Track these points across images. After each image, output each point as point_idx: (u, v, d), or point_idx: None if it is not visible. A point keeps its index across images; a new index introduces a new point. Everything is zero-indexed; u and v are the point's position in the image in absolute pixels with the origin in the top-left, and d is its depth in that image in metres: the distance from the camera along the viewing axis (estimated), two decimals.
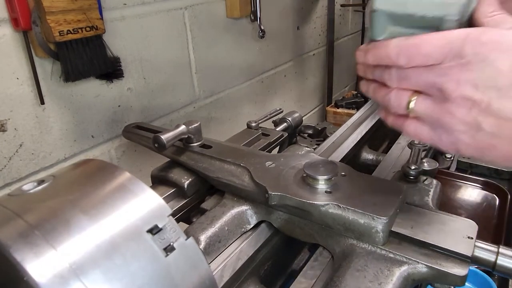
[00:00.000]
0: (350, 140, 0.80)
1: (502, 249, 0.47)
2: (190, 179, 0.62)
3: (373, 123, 0.92)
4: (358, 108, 1.47)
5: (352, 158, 0.79)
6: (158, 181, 0.65)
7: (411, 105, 0.38)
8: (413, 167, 0.62)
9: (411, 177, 0.62)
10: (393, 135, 0.93)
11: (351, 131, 0.84)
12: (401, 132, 0.43)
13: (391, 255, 0.47)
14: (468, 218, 0.52)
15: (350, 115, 0.95)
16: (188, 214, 0.63)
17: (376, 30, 0.40)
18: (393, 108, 0.41)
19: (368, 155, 0.86)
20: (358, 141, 0.80)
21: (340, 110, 1.87)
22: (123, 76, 0.90)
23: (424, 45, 0.36)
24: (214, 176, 0.59)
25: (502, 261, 0.46)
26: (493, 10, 0.37)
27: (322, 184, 0.51)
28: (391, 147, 0.85)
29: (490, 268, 0.47)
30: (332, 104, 1.95)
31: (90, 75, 0.81)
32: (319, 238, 0.53)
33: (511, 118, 0.33)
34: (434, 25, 0.37)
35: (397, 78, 0.39)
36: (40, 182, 0.34)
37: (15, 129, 0.74)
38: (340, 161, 0.72)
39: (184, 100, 1.11)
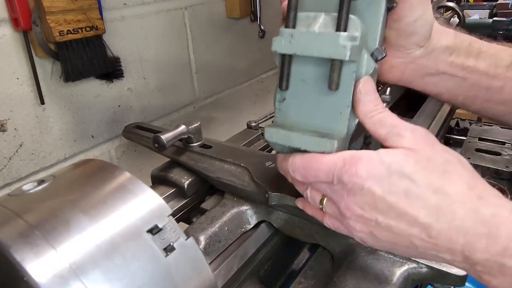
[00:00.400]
0: None
1: None
2: (190, 179, 0.62)
3: None
4: None
5: None
6: (158, 181, 0.65)
7: (324, 202, 0.42)
8: None
9: None
10: None
11: None
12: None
13: (391, 255, 0.47)
14: None
15: None
16: (188, 214, 0.63)
17: (274, 147, 0.46)
18: (311, 202, 0.44)
19: None
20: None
21: None
22: (123, 76, 0.90)
23: (312, 168, 0.40)
24: (214, 176, 0.59)
25: None
26: (371, 110, 0.40)
27: None
28: None
29: None
30: None
31: (90, 75, 0.81)
32: (319, 238, 0.53)
33: (400, 234, 0.37)
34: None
35: (304, 184, 0.44)
36: (40, 182, 0.34)
37: (15, 129, 0.74)
38: None
39: (184, 100, 1.11)
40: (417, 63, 0.48)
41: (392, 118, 0.40)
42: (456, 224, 0.34)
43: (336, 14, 0.39)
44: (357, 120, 0.43)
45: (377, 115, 0.40)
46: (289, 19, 0.41)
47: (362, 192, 0.37)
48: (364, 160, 0.37)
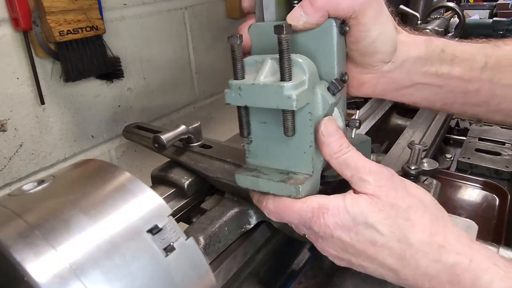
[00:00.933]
0: None
1: (502, 249, 0.47)
2: (190, 179, 0.62)
3: (373, 123, 0.92)
4: (358, 108, 1.47)
5: None
6: (158, 181, 0.65)
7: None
8: (413, 167, 0.62)
9: (411, 177, 0.62)
10: (394, 135, 0.93)
11: None
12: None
13: None
14: (468, 218, 0.52)
15: (350, 115, 0.95)
16: (188, 214, 0.63)
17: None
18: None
19: None
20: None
21: None
22: (123, 76, 0.90)
23: (285, 214, 0.42)
24: (214, 176, 0.59)
25: None
26: (336, 151, 0.41)
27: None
28: (391, 147, 0.85)
29: None
30: None
31: (90, 75, 0.81)
32: None
33: (373, 272, 0.40)
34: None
35: None
36: (40, 182, 0.34)
37: (15, 129, 0.74)
38: None
39: (184, 100, 1.11)
40: (388, 77, 0.48)
41: (356, 160, 0.41)
42: (420, 272, 0.37)
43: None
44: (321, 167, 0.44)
45: (341, 156, 0.41)
46: (236, 71, 0.41)
47: (333, 240, 0.40)
48: (331, 211, 0.39)
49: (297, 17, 0.41)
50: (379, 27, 0.43)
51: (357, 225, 0.38)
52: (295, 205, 0.41)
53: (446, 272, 0.36)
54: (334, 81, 0.43)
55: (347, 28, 0.42)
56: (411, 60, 0.47)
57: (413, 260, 0.37)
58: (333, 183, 0.49)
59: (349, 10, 0.40)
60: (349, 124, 0.48)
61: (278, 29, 0.37)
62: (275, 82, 0.39)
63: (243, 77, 0.41)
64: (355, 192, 0.40)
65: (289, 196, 0.42)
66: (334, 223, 0.39)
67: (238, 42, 0.40)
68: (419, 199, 0.39)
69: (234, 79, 0.41)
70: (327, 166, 0.46)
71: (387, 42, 0.44)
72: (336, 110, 0.45)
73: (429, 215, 0.38)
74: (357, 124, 0.47)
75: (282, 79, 0.38)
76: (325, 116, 0.42)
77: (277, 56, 0.38)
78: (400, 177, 0.41)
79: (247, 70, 0.42)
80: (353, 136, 0.50)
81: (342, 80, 0.44)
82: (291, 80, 0.38)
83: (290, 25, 0.39)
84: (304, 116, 0.41)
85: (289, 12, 0.43)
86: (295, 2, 0.42)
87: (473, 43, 0.49)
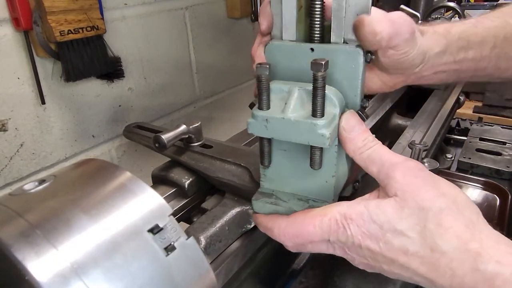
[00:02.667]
0: None
1: None
2: (190, 179, 0.62)
3: (373, 123, 0.92)
4: None
5: None
6: (158, 181, 0.65)
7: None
8: None
9: None
10: (394, 135, 0.93)
11: None
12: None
13: None
14: None
15: None
16: (189, 214, 0.63)
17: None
18: None
19: None
20: None
21: None
22: (124, 76, 0.90)
23: (304, 236, 0.39)
24: (215, 176, 0.59)
25: None
26: (360, 147, 0.39)
27: None
28: (391, 147, 0.85)
29: None
30: None
31: (91, 75, 0.81)
32: None
33: (408, 279, 0.38)
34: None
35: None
36: (41, 181, 0.34)
37: (16, 128, 0.74)
38: None
39: (185, 100, 1.11)
40: (416, 75, 0.48)
41: (381, 154, 0.39)
42: (457, 281, 0.34)
43: (310, 88, 0.37)
44: (345, 180, 0.43)
45: (366, 151, 0.39)
46: (262, 102, 0.39)
47: (362, 250, 0.37)
48: (356, 220, 0.37)
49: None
50: (411, 45, 0.42)
51: (386, 233, 0.36)
52: (315, 220, 0.39)
53: (485, 284, 0.33)
54: (360, 112, 0.41)
55: (373, 57, 0.41)
56: (433, 55, 0.47)
57: (448, 269, 0.34)
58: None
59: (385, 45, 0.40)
60: None
61: (316, 66, 0.35)
62: (307, 119, 0.37)
63: (268, 107, 0.39)
64: (382, 191, 0.38)
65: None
66: (361, 233, 0.37)
67: (267, 73, 0.37)
68: (452, 199, 0.36)
69: (259, 108, 0.39)
70: (343, 187, 0.45)
71: (421, 54, 0.44)
72: None
73: (463, 219, 0.35)
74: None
75: (314, 115, 0.37)
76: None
77: (306, 86, 0.37)
78: (431, 172, 0.38)
79: (272, 98, 0.40)
80: None
81: (363, 107, 0.43)
82: (323, 116, 0.37)
83: (327, 62, 0.36)
84: (331, 148, 0.40)
85: (308, 32, 0.42)
86: (317, 22, 0.41)
87: (484, 23, 0.50)
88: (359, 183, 0.51)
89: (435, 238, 0.34)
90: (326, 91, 0.37)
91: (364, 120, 0.41)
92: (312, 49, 0.41)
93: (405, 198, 0.36)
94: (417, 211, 0.35)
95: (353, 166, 0.45)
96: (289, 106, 0.38)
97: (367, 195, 0.39)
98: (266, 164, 0.44)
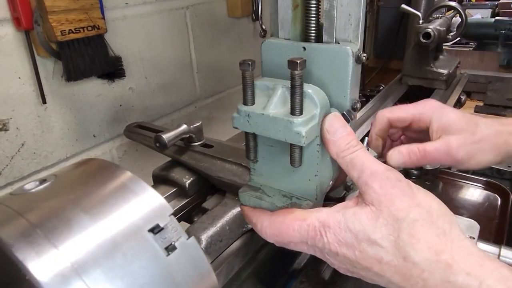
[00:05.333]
0: None
1: (504, 250, 0.47)
2: (191, 179, 0.62)
3: None
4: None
5: None
6: (159, 180, 0.65)
7: None
8: (415, 167, 0.62)
9: (413, 177, 0.62)
10: None
11: None
12: None
13: None
14: (470, 218, 0.52)
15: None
16: (190, 214, 0.63)
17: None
18: None
19: None
20: (360, 141, 0.80)
21: None
22: (125, 76, 0.90)
23: (284, 236, 0.41)
24: (216, 175, 0.59)
25: (504, 261, 0.46)
26: (343, 150, 0.40)
27: None
28: None
29: None
30: None
31: (92, 74, 0.81)
32: None
33: (384, 285, 0.38)
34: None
35: None
36: (42, 181, 0.34)
37: (17, 128, 0.74)
38: None
39: (186, 100, 1.11)
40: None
41: (363, 160, 0.39)
42: None
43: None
44: (331, 180, 0.44)
45: (349, 155, 0.40)
46: (246, 97, 0.40)
47: (338, 257, 0.39)
48: (332, 228, 0.38)
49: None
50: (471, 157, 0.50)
51: (360, 242, 0.37)
52: (294, 224, 0.40)
53: None
54: (345, 113, 0.42)
55: (364, 58, 0.41)
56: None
57: (420, 279, 0.35)
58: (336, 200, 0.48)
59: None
60: None
61: (292, 64, 0.36)
62: (285, 116, 0.38)
63: (253, 103, 0.40)
64: (361, 197, 0.39)
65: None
66: (337, 241, 0.38)
67: (250, 69, 0.38)
68: (426, 210, 0.37)
69: (243, 103, 0.40)
70: (331, 189, 0.45)
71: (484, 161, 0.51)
72: None
73: (436, 229, 0.36)
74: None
75: (293, 113, 0.37)
76: None
77: (289, 85, 0.37)
78: (408, 182, 0.39)
79: (258, 94, 0.41)
80: None
81: (354, 108, 0.43)
82: (301, 114, 0.37)
83: (305, 61, 0.36)
84: (312, 148, 0.40)
85: (304, 31, 0.42)
86: (312, 21, 0.41)
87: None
88: (353, 185, 0.51)
89: (408, 248, 0.35)
90: (308, 90, 0.38)
91: (349, 121, 0.41)
92: (304, 48, 0.41)
93: (380, 208, 0.37)
94: (392, 221, 0.36)
95: (341, 167, 0.45)
96: (271, 102, 0.39)
97: (347, 202, 0.40)
98: (252, 158, 0.45)
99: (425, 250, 0.35)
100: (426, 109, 0.53)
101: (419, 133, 0.55)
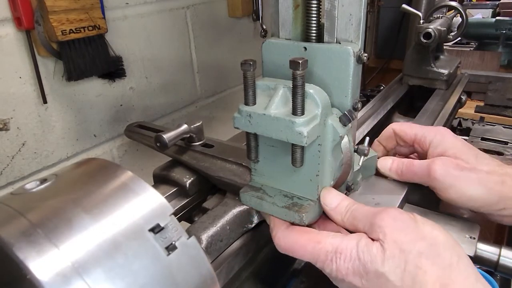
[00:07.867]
0: None
1: (504, 250, 0.47)
2: (192, 178, 0.62)
3: (375, 122, 0.92)
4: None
5: None
6: (160, 180, 0.65)
7: None
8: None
9: None
10: None
11: None
12: None
13: None
14: (470, 218, 0.52)
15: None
16: (190, 213, 0.63)
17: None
18: None
19: None
20: (360, 140, 0.80)
21: None
22: (125, 76, 0.90)
23: (296, 253, 0.42)
24: (216, 175, 0.59)
25: (504, 261, 0.46)
26: (343, 215, 0.43)
27: None
28: None
29: (492, 268, 0.47)
30: None
31: (93, 74, 0.81)
32: None
33: None
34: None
35: None
36: (43, 181, 0.34)
37: (17, 128, 0.74)
38: None
39: (186, 100, 1.11)
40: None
41: (362, 210, 0.42)
42: None
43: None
44: (332, 180, 0.44)
45: (350, 214, 0.42)
46: (247, 97, 0.40)
47: (345, 283, 0.40)
48: (343, 255, 0.39)
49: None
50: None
51: (368, 273, 0.38)
52: (308, 245, 0.41)
53: None
54: (346, 113, 0.41)
55: (365, 58, 0.41)
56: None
57: None
58: None
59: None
60: (357, 150, 0.47)
61: (294, 64, 0.35)
62: (287, 116, 0.37)
63: (254, 103, 0.40)
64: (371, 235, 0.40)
65: (292, 223, 0.43)
66: (345, 268, 0.39)
67: (251, 69, 0.38)
68: (431, 243, 0.37)
69: (245, 104, 0.40)
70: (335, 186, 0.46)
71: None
72: (345, 137, 0.45)
73: (442, 262, 0.36)
74: (366, 152, 0.47)
75: (294, 113, 0.37)
76: (335, 146, 0.42)
77: (290, 85, 0.37)
78: (411, 214, 0.40)
79: (259, 94, 0.41)
80: (360, 164, 0.50)
81: (355, 108, 0.43)
82: (303, 114, 0.37)
83: (306, 60, 0.36)
84: (313, 148, 0.40)
85: (305, 31, 0.42)
86: (313, 21, 0.41)
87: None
88: (354, 185, 0.51)
89: (414, 280, 0.36)
90: (310, 90, 0.38)
91: (350, 121, 0.42)
92: (305, 48, 0.41)
93: (386, 240, 0.38)
94: (398, 253, 0.37)
95: (343, 168, 0.46)
96: (272, 103, 0.39)
97: (363, 234, 0.41)
98: (253, 158, 0.45)
99: (430, 282, 0.35)
100: (431, 132, 0.54)
101: (423, 156, 0.55)
